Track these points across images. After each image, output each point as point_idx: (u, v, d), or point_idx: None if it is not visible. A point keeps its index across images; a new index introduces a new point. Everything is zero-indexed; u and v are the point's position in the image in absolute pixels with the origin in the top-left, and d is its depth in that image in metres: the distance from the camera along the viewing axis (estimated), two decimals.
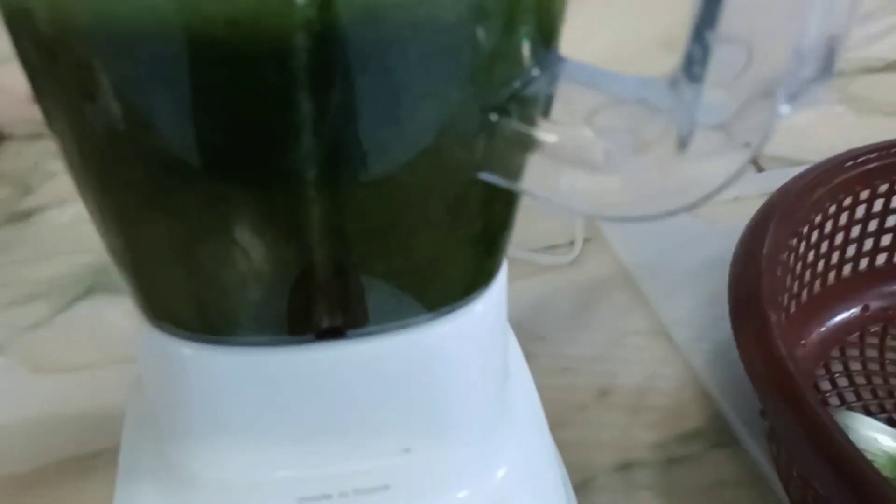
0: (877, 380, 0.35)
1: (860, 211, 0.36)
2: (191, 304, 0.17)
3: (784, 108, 0.11)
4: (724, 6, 0.11)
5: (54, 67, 0.14)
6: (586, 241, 0.42)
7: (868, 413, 0.33)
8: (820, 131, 0.51)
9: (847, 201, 0.35)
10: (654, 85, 0.13)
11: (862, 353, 0.36)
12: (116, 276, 0.42)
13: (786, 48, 0.11)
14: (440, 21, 0.13)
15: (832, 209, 0.35)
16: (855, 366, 0.35)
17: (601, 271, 0.41)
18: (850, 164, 0.35)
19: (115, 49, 0.13)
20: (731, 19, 0.11)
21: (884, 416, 0.33)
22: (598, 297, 0.39)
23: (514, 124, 0.14)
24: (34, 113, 0.15)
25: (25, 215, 0.44)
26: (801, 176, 0.34)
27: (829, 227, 0.35)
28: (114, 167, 0.15)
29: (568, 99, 0.15)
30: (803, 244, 0.34)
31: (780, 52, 0.11)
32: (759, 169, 0.49)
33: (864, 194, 0.36)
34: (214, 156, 0.14)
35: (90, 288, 0.40)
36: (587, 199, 0.14)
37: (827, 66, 0.11)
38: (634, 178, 0.13)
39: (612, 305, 0.39)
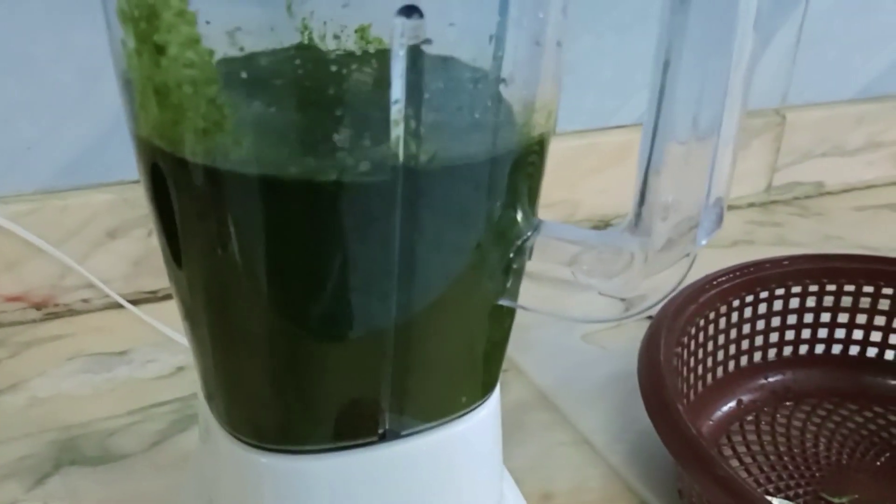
0: (760, 458, 0.43)
1: (722, 322, 0.45)
2: (273, 420, 0.22)
3: (702, 241, 0.18)
4: (657, 181, 0.19)
5: (197, 216, 0.19)
6: (504, 371, 0.49)
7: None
8: None
9: (711, 315, 0.44)
10: (610, 233, 0.21)
11: (744, 438, 0.44)
12: (84, 450, 0.44)
13: (697, 205, 0.19)
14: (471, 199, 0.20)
15: (702, 322, 0.44)
16: (741, 449, 0.43)
17: (521, 395, 0.48)
18: (709, 285, 0.44)
19: (250, 192, 0.18)
20: (662, 188, 0.19)
21: (775, 491, 0.40)
22: (523, 417, 0.46)
23: (523, 265, 0.21)
24: None
25: None
26: (675, 297, 0.43)
27: (701, 337, 0.44)
28: (231, 305, 0.20)
29: (549, 248, 0.22)
30: (685, 352, 0.42)
31: (696, 208, 0.18)
32: None
33: (723, 309, 0.45)
34: (319, 293, 0.20)
35: (58, 464, 0.42)
36: (578, 311, 0.21)
37: (720, 214, 0.19)
38: (610, 294, 0.20)
39: (537, 422, 0.45)
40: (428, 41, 0.17)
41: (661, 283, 0.19)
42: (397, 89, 0.17)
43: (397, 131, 0.17)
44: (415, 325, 0.21)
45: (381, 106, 0.17)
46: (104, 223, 0.52)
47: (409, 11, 0.16)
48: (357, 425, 0.22)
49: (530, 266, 0.22)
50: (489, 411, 0.25)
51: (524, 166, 0.21)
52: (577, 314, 0.21)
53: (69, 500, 0.39)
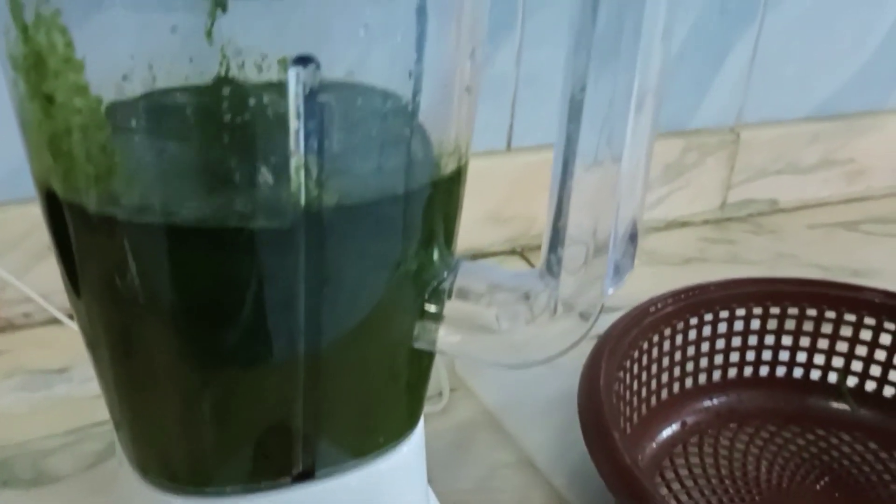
0: (702, 482, 0.43)
1: (666, 345, 0.45)
2: (183, 460, 0.22)
3: (609, 290, 0.18)
4: (566, 223, 0.19)
5: (95, 256, 0.19)
6: (453, 390, 0.49)
7: None
8: None
9: (655, 338, 0.44)
10: (527, 275, 0.20)
11: (687, 460, 0.44)
12: (18, 471, 0.43)
13: (608, 231, 0.18)
14: (381, 238, 0.19)
15: (645, 345, 0.44)
16: (683, 471, 0.43)
17: (468, 415, 0.47)
18: (653, 308, 0.44)
19: (147, 237, 0.18)
20: (574, 219, 0.19)
21: None
22: (470, 437, 0.46)
23: (437, 310, 0.21)
24: None
25: None
26: (618, 321, 0.43)
27: (645, 360, 0.44)
28: (131, 344, 0.20)
29: (466, 287, 0.22)
30: (628, 375, 0.42)
31: (605, 234, 0.18)
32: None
33: (667, 332, 0.45)
34: (223, 335, 0.19)
35: None
36: (488, 354, 0.21)
37: (634, 240, 0.19)
38: (518, 340, 0.20)
39: (482, 443, 0.45)
40: (320, 88, 0.16)
41: (564, 335, 0.19)
42: (294, 139, 0.16)
43: (298, 178, 0.17)
44: (325, 367, 0.20)
45: (280, 153, 0.17)
46: (44, 236, 0.51)
47: (305, 61, 0.16)
48: (269, 467, 0.22)
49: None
50: (411, 449, 0.24)
51: (437, 207, 0.20)
52: (490, 358, 0.20)
53: None
